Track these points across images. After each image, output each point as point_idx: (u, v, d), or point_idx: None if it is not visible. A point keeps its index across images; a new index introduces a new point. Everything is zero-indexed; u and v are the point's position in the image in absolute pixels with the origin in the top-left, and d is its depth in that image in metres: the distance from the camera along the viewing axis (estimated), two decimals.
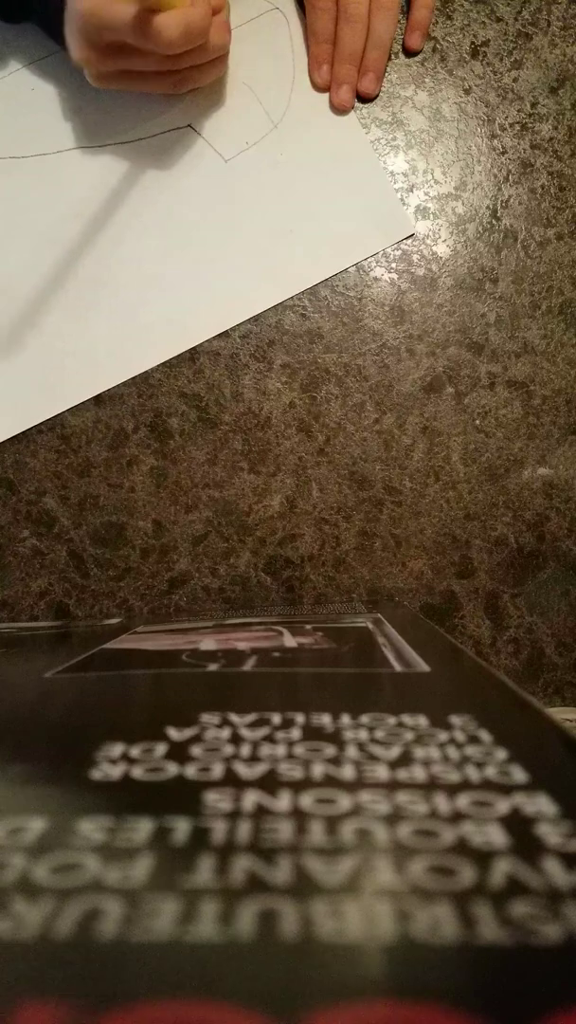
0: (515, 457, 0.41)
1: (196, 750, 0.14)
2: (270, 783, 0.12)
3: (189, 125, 0.40)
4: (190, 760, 0.13)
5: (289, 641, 0.25)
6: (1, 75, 0.39)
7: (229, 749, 0.14)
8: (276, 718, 0.15)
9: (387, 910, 0.08)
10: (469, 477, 0.41)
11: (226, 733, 0.15)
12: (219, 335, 0.40)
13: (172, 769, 0.13)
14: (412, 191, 0.41)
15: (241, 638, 0.26)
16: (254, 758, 0.13)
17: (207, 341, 0.40)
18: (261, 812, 0.11)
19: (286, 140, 0.40)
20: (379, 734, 0.14)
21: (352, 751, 0.13)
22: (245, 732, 0.15)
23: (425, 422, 0.41)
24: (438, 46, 0.40)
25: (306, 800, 0.11)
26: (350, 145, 0.40)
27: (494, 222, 0.41)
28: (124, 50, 0.32)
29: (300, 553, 0.41)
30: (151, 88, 0.36)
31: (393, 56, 0.40)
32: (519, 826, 0.10)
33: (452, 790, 0.12)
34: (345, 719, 0.15)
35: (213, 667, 0.21)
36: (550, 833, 0.10)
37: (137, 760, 0.13)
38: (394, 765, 0.13)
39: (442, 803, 0.11)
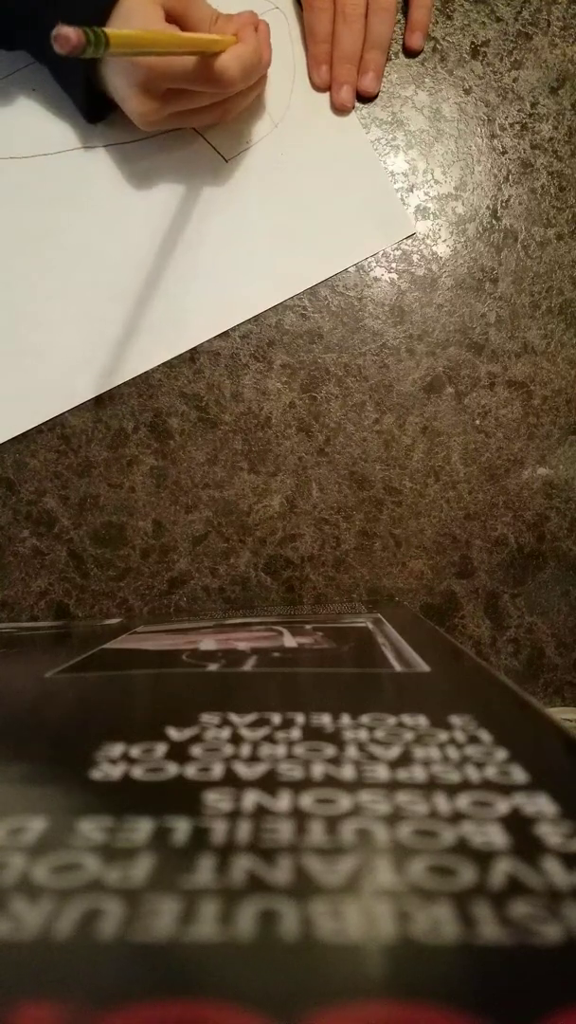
0: (515, 457, 0.41)
1: (196, 750, 0.14)
2: (270, 783, 0.12)
3: None
4: (190, 760, 0.13)
5: (289, 641, 0.25)
6: (2, 75, 0.39)
7: (229, 749, 0.14)
8: (276, 718, 0.15)
9: (387, 910, 0.08)
10: (469, 477, 0.41)
11: (226, 733, 0.15)
12: (219, 335, 0.40)
13: (172, 769, 0.13)
14: (412, 191, 0.41)
15: (241, 638, 0.26)
16: (254, 758, 0.13)
17: (207, 341, 0.40)
18: (261, 812, 0.11)
19: (286, 140, 0.40)
20: (379, 734, 0.14)
21: (352, 751, 0.13)
22: (245, 732, 0.15)
23: (425, 422, 0.41)
24: (438, 46, 0.40)
25: (306, 800, 0.11)
26: (350, 145, 0.40)
27: (494, 222, 0.41)
28: (180, 93, 0.34)
29: (300, 553, 0.41)
30: (201, 122, 0.37)
31: (393, 56, 0.40)
32: (519, 826, 0.10)
33: (452, 790, 0.12)
34: (345, 719, 0.15)
35: (213, 667, 0.21)
36: (550, 833, 0.10)
37: (137, 760, 0.13)
38: (394, 765, 0.13)
39: (442, 803, 0.11)
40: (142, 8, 0.31)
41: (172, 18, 0.33)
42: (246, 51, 0.33)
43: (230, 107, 0.37)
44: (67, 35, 0.21)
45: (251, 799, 0.11)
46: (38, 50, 0.36)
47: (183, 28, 0.34)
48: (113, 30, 0.23)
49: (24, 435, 0.41)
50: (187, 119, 0.36)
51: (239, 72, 0.33)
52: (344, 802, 0.11)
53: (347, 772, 0.12)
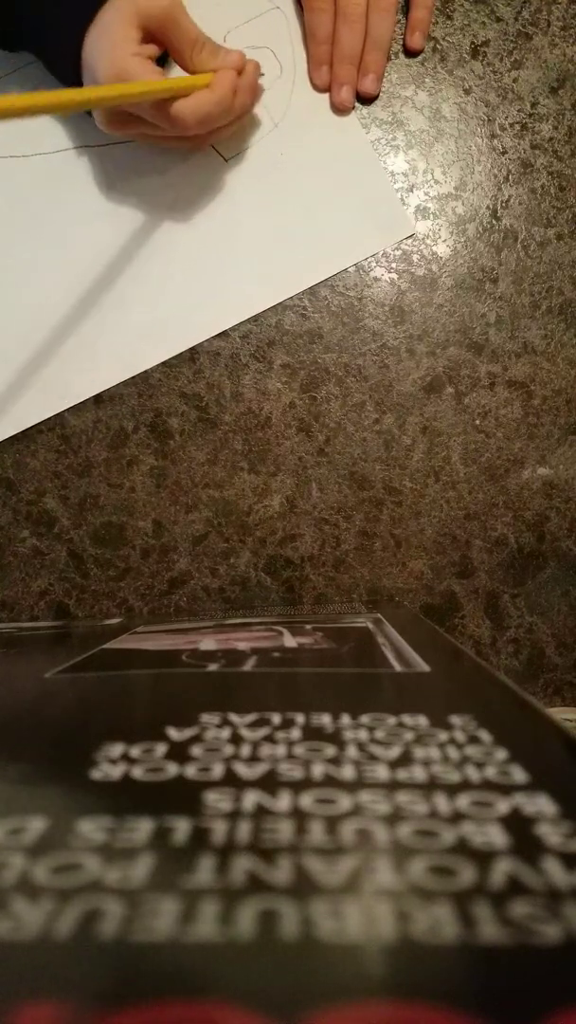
0: (515, 457, 0.41)
1: (196, 750, 0.14)
2: (270, 783, 0.12)
3: None
4: (190, 760, 0.13)
5: (289, 641, 0.25)
6: (2, 74, 0.39)
7: (229, 749, 0.14)
8: (276, 718, 0.15)
9: (387, 910, 0.08)
10: (469, 477, 0.41)
11: (226, 733, 0.15)
12: (219, 335, 0.40)
13: (172, 769, 0.13)
14: (412, 191, 0.41)
15: (241, 638, 0.26)
16: (254, 758, 0.13)
17: (207, 341, 0.40)
18: (261, 812, 0.11)
19: (286, 140, 0.40)
20: (379, 734, 0.14)
21: (352, 751, 0.13)
22: (245, 732, 0.15)
23: (425, 422, 0.41)
24: (438, 46, 0.40)
25: (306, 800, 0.11)
26: (350, 145, 0.40)
27: (494, 222, 0.41)
28: (141, 120, 0.33)
29: (300, 553, 0.41)
30: (169, 146, 0.37)
31: (393, 56, 0.40)
32: (519, 826, 0.10)
33: (452, 790, 0.12)
34: (345, 719, 0.15)
35: (213, 667, 0.21)
36: (550, 833, 0.10)
37: (137, 760, 0.13)
38: (394, 765, 0.13)
39: (442, 803, 0.11)
40: (117, 28, 0.31)
41: (153, 39, 0.32)
42: (207, 101, 0.32)
43: (200, 143, 0.37)
44: None
45: (251, 799, 0.11)
46: (37, 49, 0.36)
47: (164, 48, 0.33)
48: None
49: (24, 435, 0.41)
50: (155, 141, 0.36)
51: (193, 121, 0.32)
52: (344, 802, 0.11)
53: (347, 772, 0.12)
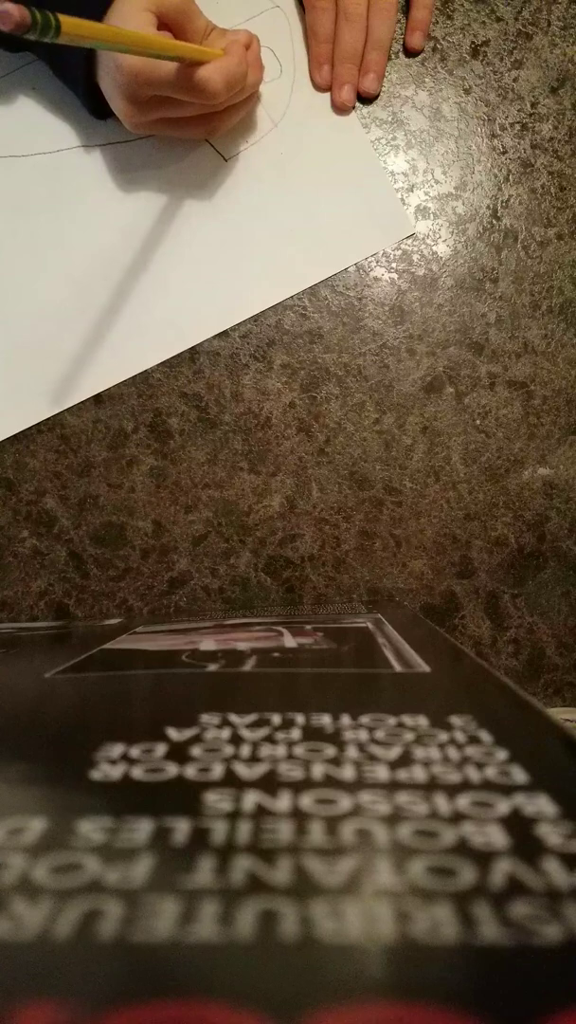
0: (515, 457, 0.41)
1: (196, 750, 0.14)
2: (270, 783, 0.12)
3: None
4: (190, 760, 0.13)
5: (289, 641, 0.25)
6: (1, 74, 0.39)
7: (229, 749, 0.14)
8: (276, 718, 0.15)
9: (387, 910, 0.08)
10: (469, 477, 0.41)
11: (226, 733, 0.15)
12: (219, 335, 0.40)
13: (172, 769, 0.13)
14: (412, 191, 0.41)
15: (241, 638, 0.26)
16: (254, 758, 0.13)
17: (207, 341, 0.40)
18: (261, 812, 0.11)
19: (286, 140, 0.40)
20: (379, 734, 0.14)
21: (352, 751, 0.13)
22: (245, 732, 0.15)
23: (425, 422, 0.41)
24: (438, 46, 0.40)
25: (306, 800, 0.11)
26: (350, 145, 0.40)
27: (494, 222, 0.41)
28: (164, 101, 0.33)
29: (300, 553, 0.41)
30: (187, 134, 0.37)
31: (393, 56, 0.40)
32: (519, 826, 0.10)
33: (452, 790, 0.12)
34: (345, 719, 0.15)
35: (213, 667, 0.21)
36: (550, 833, 0.10)
37: (137, 760, 0.13)
38: (394, 765, 0.13)
39: (442, 803, 0.11)
40: (132, 15, 0.31)
41: (165, 26, 0.33)
42: (230, 64, 0.33)
43: (218, 123, 0.37)
44: (9, 12, 0.20)
45: (251, 799, 0.11)
46: (42, 50, 0.37)
47: (175, 37, 0.34)
48: (67, 17, 0.22)
49: (24, 435, 0.41)
50: (175, 129, 0.36)
51: (222, 84, 0.32)
52: (344, 802, 0.11)
53: (347, 772, 0.12)
